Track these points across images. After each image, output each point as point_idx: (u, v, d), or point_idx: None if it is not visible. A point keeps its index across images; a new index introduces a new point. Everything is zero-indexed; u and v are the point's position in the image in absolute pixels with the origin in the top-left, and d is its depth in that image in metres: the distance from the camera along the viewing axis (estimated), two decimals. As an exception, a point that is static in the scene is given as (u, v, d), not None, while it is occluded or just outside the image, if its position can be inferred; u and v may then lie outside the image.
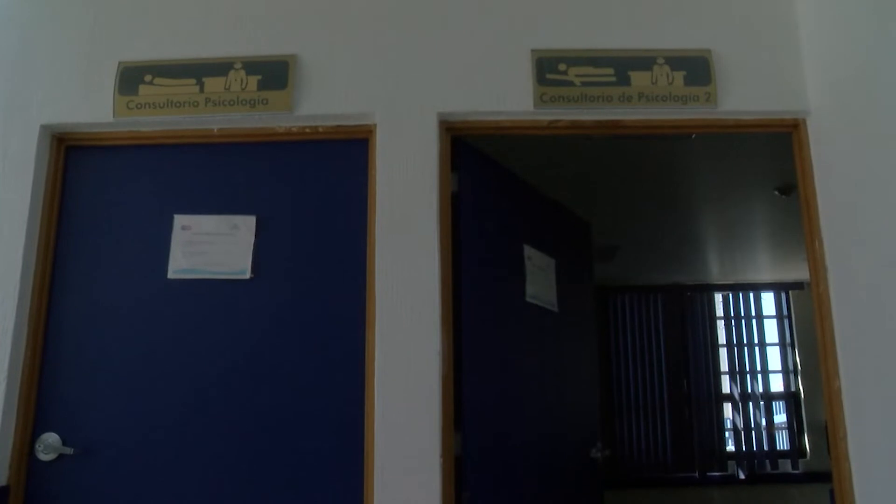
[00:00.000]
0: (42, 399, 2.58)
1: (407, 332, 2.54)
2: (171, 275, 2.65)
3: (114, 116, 2.72)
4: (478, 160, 2.98)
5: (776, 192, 4.83)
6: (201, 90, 2.73)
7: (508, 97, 2.73)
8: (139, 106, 2.72)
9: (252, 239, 2.67)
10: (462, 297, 2.75)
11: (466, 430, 2.68)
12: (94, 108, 2.74)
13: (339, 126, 2.75)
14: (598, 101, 2.72)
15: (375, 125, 2.71)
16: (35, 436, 2.54)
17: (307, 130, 2.75)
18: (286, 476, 2.51)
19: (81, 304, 2.64)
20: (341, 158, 2.75)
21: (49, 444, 2.52)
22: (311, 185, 2.73)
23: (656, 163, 4.36)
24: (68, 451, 2.51)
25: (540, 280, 3.26)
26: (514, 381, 3.04)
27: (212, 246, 2.66)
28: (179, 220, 2.70)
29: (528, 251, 3.21)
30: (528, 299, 3.16)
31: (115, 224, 2.71)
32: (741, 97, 2.73)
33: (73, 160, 2.78)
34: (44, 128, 2.71)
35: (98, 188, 2.75)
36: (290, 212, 2.70)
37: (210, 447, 2.52)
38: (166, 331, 2.61)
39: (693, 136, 3.84)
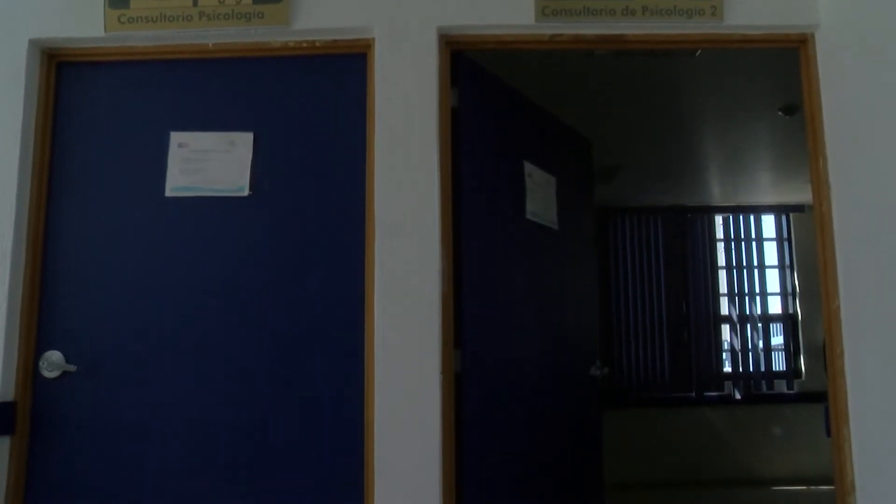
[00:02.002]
0: (44, 317, 2.59)
1: (407, 249, 2.54)
2: (168, 192, 2.63)
3: (105, 31, 2.66)
4: (478, 75, 2.93)
5: (780, 113, 4.76)
6: (195, 3, 2.66)
7: (509, 10, 2.66)
8: (131, 20, 2.65)
9: (250, 156, 2.64)
10: (462, 214, 2.73)
11: (466, 347, 2.70)
12: (84, 22, 2.67)
13: (336, 40, 2.69)
14: (601, 14, 2.65)
15: (374, 39, 2.65)
16: (38, 353, 2.57)
17: (304, 45, 2.69)
18: (286, 393, 2.54)
19: (80, 223, 2.63)
20: (339, 74, 2.70)
21: (52, 362, 2.54)
22: (308, 102, 2.68)
23: (659, 82, 4.29)
24: (71, 368, 2.54)
25: (540, 198, 3.24)
26: (515, 298, 3.05)
27: (209, 163, 2.63)
28: (176, 137, 2.66)
29: (529, 168, 3.18)
30: (529, 217, 3.15)
31: (112, 142, 2.69)
32: (748, 11, 2.66)
33: (65, 77, 2.73)
34: (33, 42, 2.65)
35: (92, 106, 2.71)
36: (287, 128, 2.67)
37: (210, 364, 2.55)
38: (166, 248, 2.61)
39: (697, 52, 3.76)
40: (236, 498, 2.49)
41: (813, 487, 6.67)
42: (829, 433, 2.56)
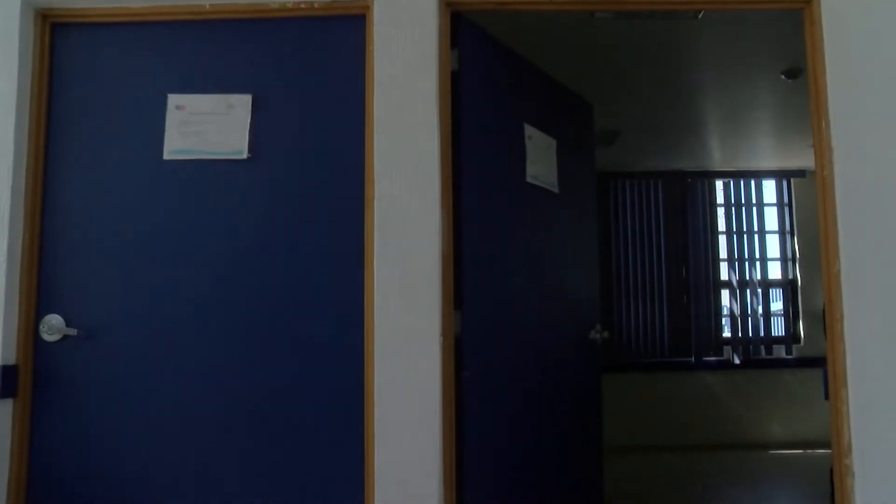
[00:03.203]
0: (43, 282, 2.60)
1: (406, 211, 2.53)
2: (167, 155, 2.62)
3: (100, -10, 2.63)
4: (478, 37, 2.90)
5: (782, 77, 4.73)
6: (191, -36, 2.62)
7: (510, -30, 2.63)
8: (126, -20, 2.62)
9: (248, 118, 2.62)
10: (462, 176, 2.72)
11: (466, 309, 2.71)
12: (78, -18, 2.64)
13: (334, 2, 2.66)
14: (603, -26, 2.62)
15: (373, 1, 2.62)
16: (38, 317, 2.57)
17: (302, 6, 2.66)
18: (286, 355, 2.54)
19: (78, 187, 2.62)
20: (338, 35, 2.67)
21: (53, 326, 2.55)
22: (307, 64, 2.66)
23: (661, 45, 4.25)
24: (72, 332, 2.54)
25: (541, 160, 3.22)
26: (515, 261, 3.04)
27: (207, 126, 2.62)
28: (173, 99, 2.64)
29: (529, 131, 3.16)
30: (529, 179, 3.13)
31: (108, 105, 2.66)
32: (751, -30, 2.63)
33: (60, 39, 2.70)
34: (26, 3, 2.61)
35: (88, 68, 2.68)
36: (286, 91, 2.65)
37: (210, 326, 2.55)
38: (165, 212, 2.60)
39: (699, 14, 3.73)
40: (236, 455, 2.51)
41: (809, 451, 6.73)
42: (827, 396, 2.57)
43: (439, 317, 2.51)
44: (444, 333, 2.52)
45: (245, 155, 2.61)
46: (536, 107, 3.27)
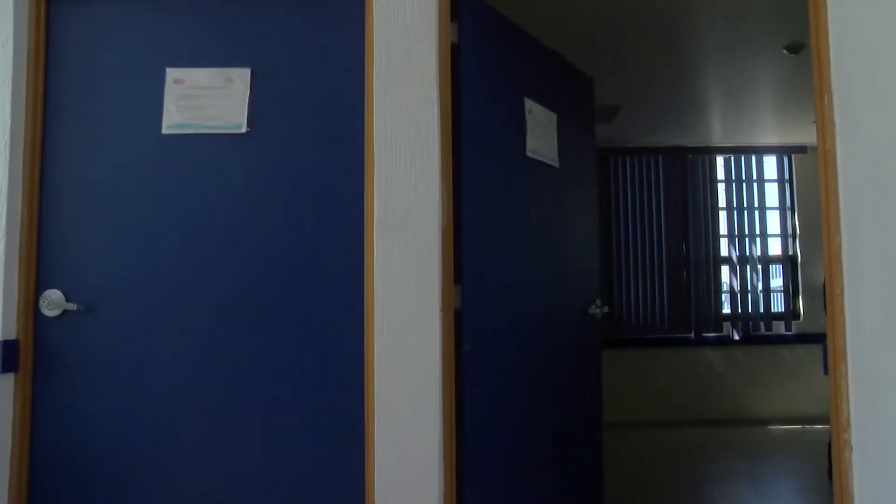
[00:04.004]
0: (43, 257, 2.59)
1: (406, 184, 2.52)
2: (165, 130, 2.60)
3: (96, -37, 2.60)
4: (478, 9, 2.87)
5: (784, 51, 4.70)
6: (188, -66, 2.60)
7: (510, -58, 2.60)
8: (122, -48, 2.59)
9: (247, 92, 2.61)
10: (462, 150, 2.71)
11: (466, 283, 2.71)
12: (74, -46, 2.61)
13: (333, -27, 2.64)
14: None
15: (371, -28, 2.60)
16: (38, 293, 2.57)
17: (300, -22, 2.64)
18: (286, 329, 2.55)
19: (76, 161, 2.61)
20: (337, 8, 2.65)
21: (52, 301, 2.55)
22: (305, 37, 2.64)
23: (662, 19, 4.22)
24: (72, 307, 2.54)
25: (541, 135, 3.21)
26: (515, 235, 3.04)
27: (206, 100, 2.60)
28: (171, 73, 2.62)
29: (530, 104, 3.14)
30: (529, 154, 3.12)
31: (106, 79, 2.65)
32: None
33: (56, 12, 2.67)
34: (22, -25, 2.60)
35: (85, 42, 2.66)
36: (285, 64, 2.63)
37: (209, 300, 2.55)
38: (164, 187, 2.60)
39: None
40: (237, 430, 2.52)
41: (807, 427, 6.77)
42: (826, 371, 2.58)
43: (439, 291, 2.51)
44: (444, 308, 2.52)
45: (244, 129, 2.60)
46: (537, 81, 3.25)
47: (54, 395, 2.54)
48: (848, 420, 2.44)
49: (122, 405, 2.53)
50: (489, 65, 2.94)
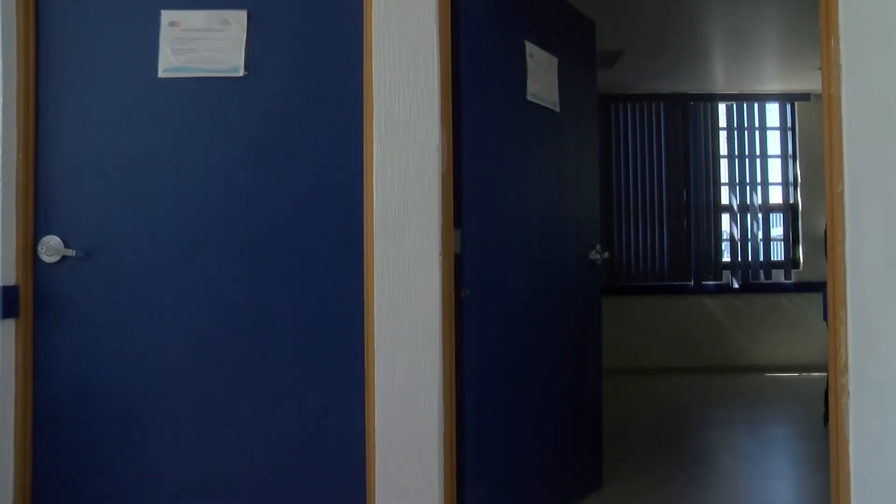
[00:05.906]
0: (40, 203, 2.57)
1: (405, 128, 2.50)
2: (161, 74, 2.56)
3: None
4: (478, -51, 2.82)
5: (790, -7, 4.63)
6: None
7: None
8: None
9: (244, 35, 2.56)
10: (462, 93, 2.69)
11: (466, 227, 2.70)
12: None
13: (330, -89, 2.57)
14: None
15: None
16: (37, 238, 2.56)
17: (296, -84, 2.58)
18: (284, 276, 2.54)
19: (71, 106, 2.58)
20: (333, -52, 2.59)
21: (51, 247, 2.54)
22: (302, -22, 2.59)
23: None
24: (71, 252, 2.53)
25: (541, 79, 3.17)
26: (514, 179, 3.02)
27: (202, 42, 2.56)
28: (166, 15, 2.58)
29: (530, 48, 3.10)
30: (529, 98, 3.09)
31: (100, 22, 2.59)
32: None
33: (48, -48, 2.62)
34: (13, -86, 2.53)
35: (77, -17, 2.60)
36: (282, 5, 2.58)
37: (208, 246, 2.55)
38: (161, 131, 2.57)
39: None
40: (235, 380, 2.53)
41: (804, 374, 6.83)
42: (826, 318, 2.58)
43: (439, 235, 2.50)
44: (444, 252, 2.52)
45: (241, 72, 2.56)
46: (538, 24, 3.20)
47: (55, 340, 2.55)
48: (846, 365, 2.45)
49: (122, 349, 2.54)
50: (489, 7, 2.89)
